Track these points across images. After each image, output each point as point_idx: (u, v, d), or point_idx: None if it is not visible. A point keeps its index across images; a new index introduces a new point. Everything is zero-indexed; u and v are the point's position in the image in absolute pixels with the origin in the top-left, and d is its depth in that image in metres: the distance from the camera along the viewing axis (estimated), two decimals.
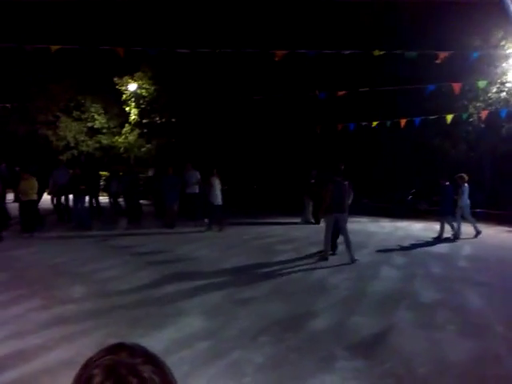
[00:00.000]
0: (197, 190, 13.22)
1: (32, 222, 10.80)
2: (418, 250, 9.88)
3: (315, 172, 14.10)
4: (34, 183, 10.66)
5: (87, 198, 13.00)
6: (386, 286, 6.63)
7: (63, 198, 13.35)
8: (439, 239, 11.12)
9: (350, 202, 8.45)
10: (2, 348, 4.04)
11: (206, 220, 12.21)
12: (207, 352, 4.09)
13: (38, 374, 3.41)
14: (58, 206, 13.46)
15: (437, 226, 11.46)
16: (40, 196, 11.94)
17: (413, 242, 10.73)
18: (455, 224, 11.16)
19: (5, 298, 5.54)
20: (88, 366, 0.72)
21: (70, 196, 12.68)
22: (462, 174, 11.23)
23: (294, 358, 4.04)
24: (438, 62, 8.48)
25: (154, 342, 4.28)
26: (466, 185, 11.14)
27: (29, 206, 10.57)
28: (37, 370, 3.57)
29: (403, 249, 9.86)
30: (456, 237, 11.09)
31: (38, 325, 4.64)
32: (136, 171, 16.83)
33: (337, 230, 8.57)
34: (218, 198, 11.88)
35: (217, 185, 11.93)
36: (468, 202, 11.21)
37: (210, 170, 12.28)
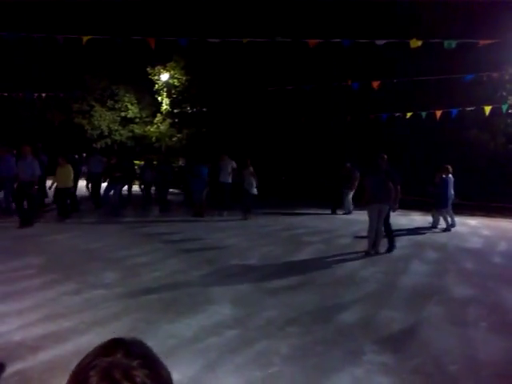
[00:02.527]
0: (229, 180, 13.15)
1: (67, 207, 11.15)
2: (450, 244, 9.63)
3: (349, 165, 14.00)
4: (70, 170, 10.97)
5: (124, 187, 13.06)
6: (416, 280, 6.49)
7: (98, 185, 13.62)
8: (434, 228, 11.39)
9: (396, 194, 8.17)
10: (36, 330, 4.17)
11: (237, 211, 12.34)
12: (235, 340, 4.12)
13: (70, 357, 3.50)
14: (94, 193, 13.70)
15: (471, 221, 11.21)
16: (75, 183, 12.27)
17: (445, 237, 10.48)
18: (449, 216, 11.35)
19: (40, 281, 5.72)
20: (84, 366, 0.73)
21: (104, 184, 12.86)
22: (447, 166, 11.18)
23: (322, 350, 4.01)
24: (479, 46, 8.15)
25: (183, 328, 4.34)
26: (450, 176, 11.12)
27: (64, 193, 10.91)
28: (68, 353, 3.67)
29: (435, 243, 9.64)
30: (451, 227, 11.31)
31: (70, 308, 4.77)
32: (169, 161, 17.08)
33: (387, 224, 8.41)
34: (253, 187, 12.05)
35: (250, 174, 12.13)
36: (452, 193, 11.25)
37: (245, 161, 12.42)
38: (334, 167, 15.17)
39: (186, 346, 3.97)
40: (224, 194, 13.23)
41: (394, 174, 8.25)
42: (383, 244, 8.36)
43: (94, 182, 13.76)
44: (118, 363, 0.72)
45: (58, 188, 11.02)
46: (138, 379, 0.70)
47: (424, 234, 10.82)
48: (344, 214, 13.99)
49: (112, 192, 12.00)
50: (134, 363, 0.72)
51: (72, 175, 11.15)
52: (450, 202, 11.25)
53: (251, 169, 12.26)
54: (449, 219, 11.31)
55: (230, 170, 13.07)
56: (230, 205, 12.92)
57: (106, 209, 12.17)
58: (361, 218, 13.01)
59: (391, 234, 8.57)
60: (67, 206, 11.28)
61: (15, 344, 3.87)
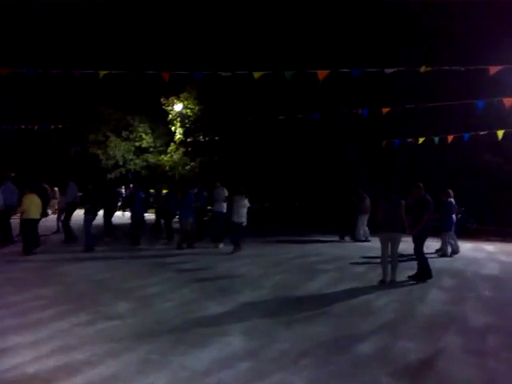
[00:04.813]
0: (223, 209, 12.36)
1: (30, 241, 10.38)
2: (467, 270, 9.46)
3: (361, 190, 14.00)
4: (37, 200, 10.50)
5: (94, 218, 11.29)
6: (434, 309, 6.36)
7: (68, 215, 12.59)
8: (444, 256, 11.18)
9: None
10: (48, 362, 4.17)
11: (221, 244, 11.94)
12: (248, 373, 4.05)
13: None
14: (64, 225, 12.68)
15: (487, 247, 11.01)
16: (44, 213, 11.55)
17: (462, 263, 10.30)
18: (452, 241, 11.26)
19: (52, 312, 5.74)
20: None
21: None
22: (448, 190, 11.13)
23: (337, 382, 3.92)
24: (490, 75, 8.20)
25: (195, 361, 4.29)
26: (452, 200, 11.04)
27: (29, 225, 10.35)
28: None
29: (451, 270, 9.47)
30: (455, 252, 11.27)
31: (82, 340, 4.76)
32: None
33: (420, 253, 8.21)
34: (241, 216, 11.05)
35: (241, 202, 11.06)
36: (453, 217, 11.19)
37: (237, 187, 11.39)
38: (344, 193, 15.16)
39: (199, 379, 3.92)
40: (218, 225, 12.50)
41: (427, 202, 8.11)
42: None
43: (68, 213, 12.60)
44: None
45: (23, 219, 10.35)
46: None
47: (435, 259, 10.62)
48: (363, 240, 13.87)
49: (86, 223, 11.00)
50: None
51: (40, 205, 10.54)
52: (453, 226, 11.14)
53: (243, 196, 11.08)
54: (452, 243, 11.18)
55: (223, 198, 12.36)
56: (224, 236, 12.20)
57: (87, 242, 11.01)
58: (376, 244, 12.89)
59: (421, 261, 8.30)
60: (30, 239, 10.34)
61: (29, 376, 3.87)
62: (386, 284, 7.84)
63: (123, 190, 25.27)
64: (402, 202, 7.91)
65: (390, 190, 8.16)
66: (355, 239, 14.01)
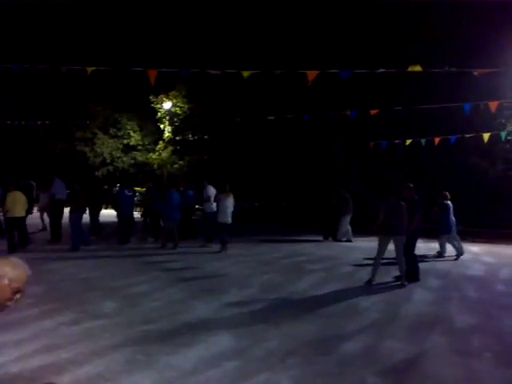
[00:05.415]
0: (212, 209, 12.18)
1: (13, 240, 10.26)
2: (453, 271, 9.57)
3: (343, 191, 14.13)
4: (22, 197, 10.39)
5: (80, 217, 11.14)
6: (419, 309, 6.42)
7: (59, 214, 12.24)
8: (442, 257, 11.25)
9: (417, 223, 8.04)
10: (33, 361, 4.12)
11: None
12: (235, 372, 4.05)
13: None
14: (52, 224, 12.38)
15: (472, 248, 11.15)
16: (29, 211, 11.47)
17: (447, 264, 10.42)
18: (456, 242, 11.24)
19: (38, 310, 5.67)
20: None
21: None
22: (445, 192, 11.16)
23: (323, 381, 3.95)
24: (476, 75, 8.29)
25: (182, 359, 4.28)
26: (446, 202, 11.08)
27: (15, 223, 10.22)
28: None
29: (437, 270, 9.57)
30: (460, 254, 11.19)
31: (68, 339, 4.71)
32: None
33: (410, 255, 8.20)
34: (226, 216, 11.06)
35: (226, 202, 11.06)
36: (453, 219, 11.22)
37: (223, 186, 11.31)
38: (326, 194, 15.26)
39: (185, 378, 3.91)
40: (207, 225, 12.40)
41: (417, 203, 8.14)
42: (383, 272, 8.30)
43: (55, 211, 12.21)
44: None
45: (7, 217, 10.26)
46: None
47: (427, 261, 10.72)
48: (344, 241, 13.95)
49: (71, 222, 10.79)
50: None
51: (25, 202, 10.34)
52: (454, 227, 11.18)
53: (228, 195, 11.11)
54: (456, 245, 11.21)
55: (205, 196, 12.32)
56: (214, 235, 12.01)
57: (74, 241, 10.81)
58: (362, 244, 12.98)
59: (412, 262, 8.28)
60: (14, 237, 10.22)
61: (12, 376, 3.81)
62: (372, 285, 7.88)
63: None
64: (403, 203, 7.81)
65: (390, 193, 8.01)
66: (336, 239, 14.08)
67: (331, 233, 14.28)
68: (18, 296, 2.02)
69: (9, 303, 2.00)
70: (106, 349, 4.47)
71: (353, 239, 13.90)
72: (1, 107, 25.43)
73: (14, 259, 2.03)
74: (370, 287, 7.75)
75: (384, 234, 7.88)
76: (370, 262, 8.67)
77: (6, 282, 1.97)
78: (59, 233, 12.12)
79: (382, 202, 8.04)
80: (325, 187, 19.36)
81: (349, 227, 14.02)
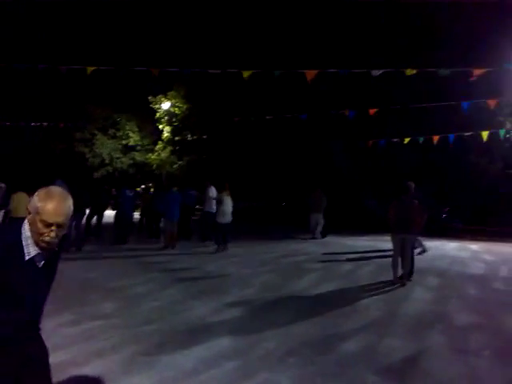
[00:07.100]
0: (212, 209, 12.20)
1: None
2: (452, 270, 9.58)
3: (320, 190, 14.71)
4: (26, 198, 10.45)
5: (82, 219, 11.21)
6: (419, 308, 6.43)
7: None
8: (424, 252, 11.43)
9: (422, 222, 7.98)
10: None
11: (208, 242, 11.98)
12: (235, 372, 4.05)
13: None
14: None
15: (471, 246, 11.17)
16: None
17: (446, 262, 10.43)
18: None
19: None
20: None
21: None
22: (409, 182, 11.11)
23: (323, 380, 3.95)
24: (472, 79, 8.31)
25: (182, 360, 4.28)
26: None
27: None
28: None
29: (436, 269, 9.58)
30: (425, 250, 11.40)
31: (67, 340, 4.70)
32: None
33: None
34: (226, 215, 11.12)
35: (227, 201, 11.14)
36: None
37: (222, 186, 11.38)
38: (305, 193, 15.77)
39: (186, 378, 3.91)
40: (205, 225, 12.55)
41: (423, 201, 8.12)
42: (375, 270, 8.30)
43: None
44: None
45: (12, 218, 9.99)
46: None
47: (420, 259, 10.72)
48: (312, 238, 14.42)
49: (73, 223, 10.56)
50: None
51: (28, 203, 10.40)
52: None
53: (227, 194, 11.17)
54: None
55: (213, 198, 12.30)
56: (212, 235, 12.07)
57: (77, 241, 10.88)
58: (363, 244, 12.99)
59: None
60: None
61: None
62: (395, 284, 7.82)
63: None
64: (415, 201, 7.80)
65: (402, 191, 8.02)
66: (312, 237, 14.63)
67: (324, 231, 14.65)
68: (56, 231, 1.97)
69: (47, 238, 1.95)
70: (105, 350, 4.47)
71: (318, 236, 14.54)
72: (1, 107, 25.43)
73: (54, 188, 2.01)
74: (369, 285, 7.74)
75: (396, 232, 7.88)
76: (366, 259, 8.67)
77: (35, 215, 1.93)
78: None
79: (393, 200, 8.03)
80: (325, 187, 19.42)
81: (318, 226, 14.51)
